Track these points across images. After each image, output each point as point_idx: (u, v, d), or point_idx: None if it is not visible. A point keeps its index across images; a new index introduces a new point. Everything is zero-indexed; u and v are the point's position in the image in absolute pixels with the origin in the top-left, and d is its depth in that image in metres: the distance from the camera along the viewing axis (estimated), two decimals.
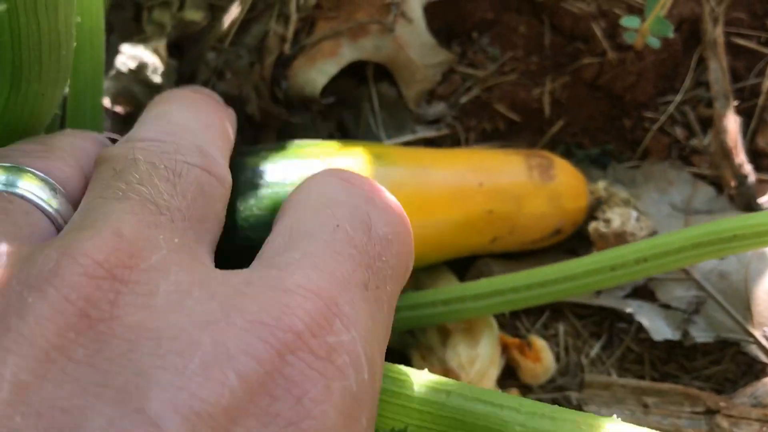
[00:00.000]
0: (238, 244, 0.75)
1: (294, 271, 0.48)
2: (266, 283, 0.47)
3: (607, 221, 0.95)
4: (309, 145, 0.83)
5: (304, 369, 0.43)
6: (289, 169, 0.79)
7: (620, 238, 0.94)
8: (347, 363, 0.45)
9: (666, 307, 0.96)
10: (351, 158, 0.82)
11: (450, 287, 0.88)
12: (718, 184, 1.03)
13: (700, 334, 0.93)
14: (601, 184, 1.00)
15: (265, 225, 0.76)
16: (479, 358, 0.89)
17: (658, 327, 0.94)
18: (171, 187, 0.53)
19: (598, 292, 0.98)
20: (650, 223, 0.97)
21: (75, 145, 0.63)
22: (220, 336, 0.42)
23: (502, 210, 0.90)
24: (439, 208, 0.87)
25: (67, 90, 0.80)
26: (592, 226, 0.96)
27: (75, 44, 0.63)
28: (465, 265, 1.03)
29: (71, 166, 0.60)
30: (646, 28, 0.96)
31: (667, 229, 0.99)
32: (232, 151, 0.75)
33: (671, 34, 0.96)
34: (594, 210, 0.99)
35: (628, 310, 0.95)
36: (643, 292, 0.98)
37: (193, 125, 0.64)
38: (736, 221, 0.79)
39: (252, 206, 0.76)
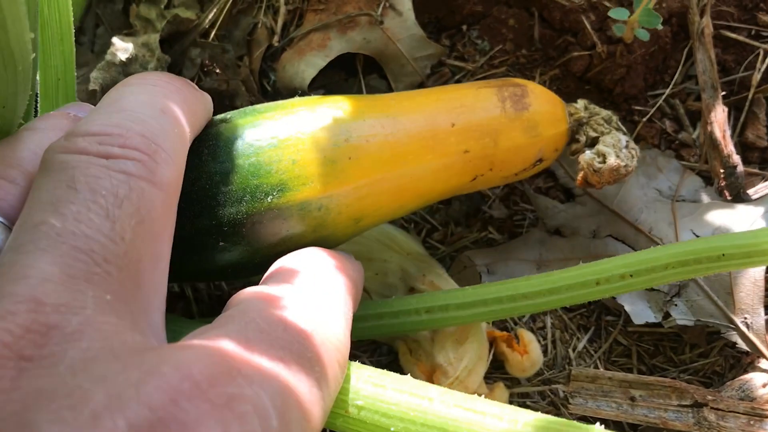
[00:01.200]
0: (207, 223, 0.74)
1: (203, 338, 0.51)
2: (175, 346, 0.49)
3: (602, 157, 0.91)
4: (269, 109, 0.80)
5: (201, 414, 0.43)
6: (253, 135, 0.76)
7: (615, 172, 0.89)
8: (250, 411, 0.46)
9: (648, 288, 0.95)
10: (313, 116, 0.79)
11: (434, 295, 0.87)
12: (707, 177, 1.02)
13: (681, 317, 0.93)
14: (581, 103, 0.95)
15: (232, 201, 0.74)
16: (467, 354, 0.89)
17: (640, 310, 0.94)
18: (110, 226, 0.51)
19: None
20: (637, 147, 0.94)
21: (38, 147, 0.62)
22: (114, 389, 0.42)
23: (478, 148, 0.87)
24: (413, 156, 0.83)
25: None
26: (586, 160, 0.91)
27: (36, 52, 0.62)
28: (451, 256, 1.03)
29: (20, 185, 0.59)
30: (635, 20, 0.96)
31: (652, 211, 0.98)
32: (196, 134, 0.73)
33: (660, 26, 0.95)
34: (576, 132, 0.95)
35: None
36: None
37: (146, 111, 0.62)
38: (724, 239, 0.78)
39: (218, 183, 0.73)
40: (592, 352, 0.96)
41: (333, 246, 0.80)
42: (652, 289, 0.94)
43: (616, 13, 0.97)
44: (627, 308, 0.93)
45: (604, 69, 1.03)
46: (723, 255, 0.77)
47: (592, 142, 0.93)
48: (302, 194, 0.75)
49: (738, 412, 0.86)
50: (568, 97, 1.04)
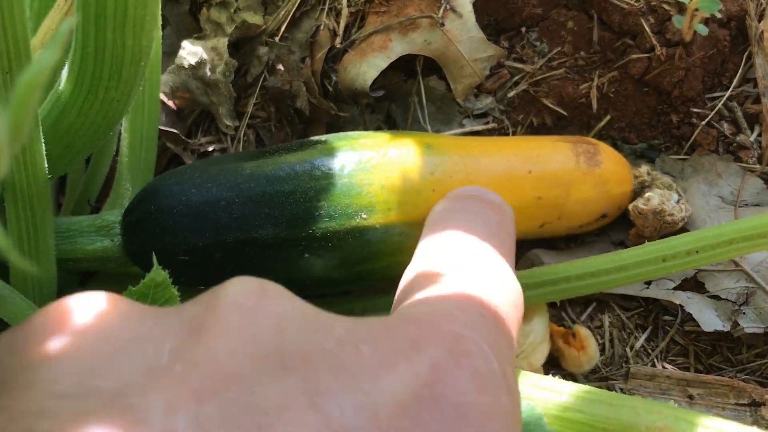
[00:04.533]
0: (296, 234, 0.78)
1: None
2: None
3: (646, 199, 0.96)
4: (363, 137, 0.85)
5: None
6: (348, 158, 0.81)
7: (658, 216, 0.95)
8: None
9: (715, 298, 0.97)
10: (404, 149, 0.83)
11: None
12: (767, 179, 1.03)
13: (750, 325, 0.94)
14: (645, 168, 1.01)
15: (323, 216, 0.77)
16: (533, 332, 0.92)
17: (708, 318, 0.95)
18: None
19: (647, 284, 0.99)
20: (689, 207, 0.98)
21: None
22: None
23: (550, 196, 0.92)
24: None
25: None
26: (632, 204, 0.97)
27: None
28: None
29: None
30: (695, 5, 0.96)
31: (715, 221, 1.00)
32: None
33: (719, 13, 0.96)
34: (638, 194, 1.00)
35: (678, 301, 0.96)
36: (692, 284, 0.99)
37: None
38: None
39: (312, 198, 0.77)
40: (650, 351, 0.98)
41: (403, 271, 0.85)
42: (719, 299, 0.96)
43: None
44: (695, 315, 0.95)
45: (662, 71, 1.04)
46: None
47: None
48: (387, 218, 0.80)
49: None
50: (627, 100, 1.06)
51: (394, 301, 0.63)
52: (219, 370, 0.39)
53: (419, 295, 0.57)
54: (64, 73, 0.68)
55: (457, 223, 0.68)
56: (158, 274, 0.62)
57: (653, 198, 0.96)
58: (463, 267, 0.61)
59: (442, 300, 0.56)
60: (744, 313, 0.94)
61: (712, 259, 0.81)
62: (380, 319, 0.48)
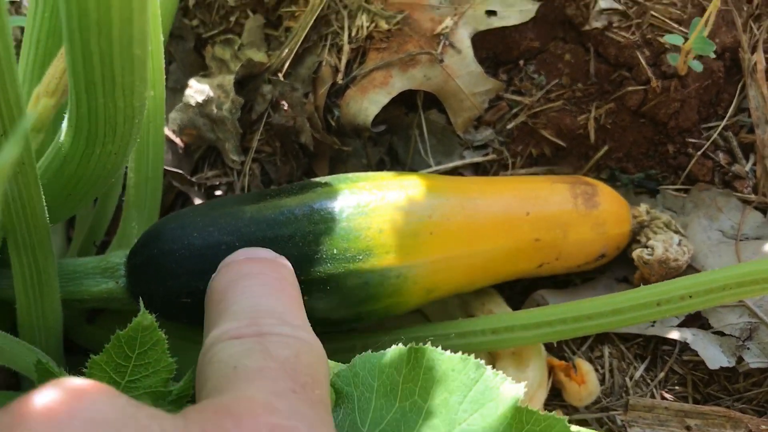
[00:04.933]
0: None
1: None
2: None
3: (651, 249, 0.97)
4: (361, 179, 0.87)
5: None
6: (346, 202, 0.83)
7: (664, 264, 0.96)
8: None
9: (720, 334, 0.98)
10: (401, 191, 0.85)
11: (499, 316, 0.91)
12: (763, 209, 1.04)
13: (754, 360, 0.95)
14: (643, 207, 1.02)
15: (321, 260, 0.79)
16: (528, 380, 0.92)
17: (714, 355, 0.96)
18: None
19: (653, 322, 1.00)
20: (691, 246, 1.00)
21: None
22: None
23: (548, 238, 0.93)
24: (488, 238, 0.90)
25: None
26: (636, 253, 0.98)
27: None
28: (519, 291, 1.06)
29: None
30: (689, 46, 0.98)
31: (717, 256, 1.01)
32: None
33: (713, 54, 0.98)
34: (637, 234, 1.01)
35: (683, 338, 0.97)
36: (696, 319, 1.00)
37: None
38: None
39: (311, 242, 0.79)
40: (649, 381, 0.99)
41: (405, 312, 0.86)
42: (723, 334, 0.97)
43: (672, 38, 1.00)
44: (701, 353, 0.96)
45: (658, 103, 1.05)
46: None
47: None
48: (385, 261, 0.82)
49: None
50: (624, 131, 1.07)
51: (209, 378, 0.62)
52: None
53: (231, 376, 0.57)
54: (65, 125, 0.70)
55: (243, 292, 0.67)
56: (145, 318, 0.64)
57: (657, 247, 0.97)
58: (262, 337, 0.61)
59: (255, 383, 0.56)
60: (748, 348, 0.95)
61: (705, 304, 0.82)
62: (201, 415, 0.49)
